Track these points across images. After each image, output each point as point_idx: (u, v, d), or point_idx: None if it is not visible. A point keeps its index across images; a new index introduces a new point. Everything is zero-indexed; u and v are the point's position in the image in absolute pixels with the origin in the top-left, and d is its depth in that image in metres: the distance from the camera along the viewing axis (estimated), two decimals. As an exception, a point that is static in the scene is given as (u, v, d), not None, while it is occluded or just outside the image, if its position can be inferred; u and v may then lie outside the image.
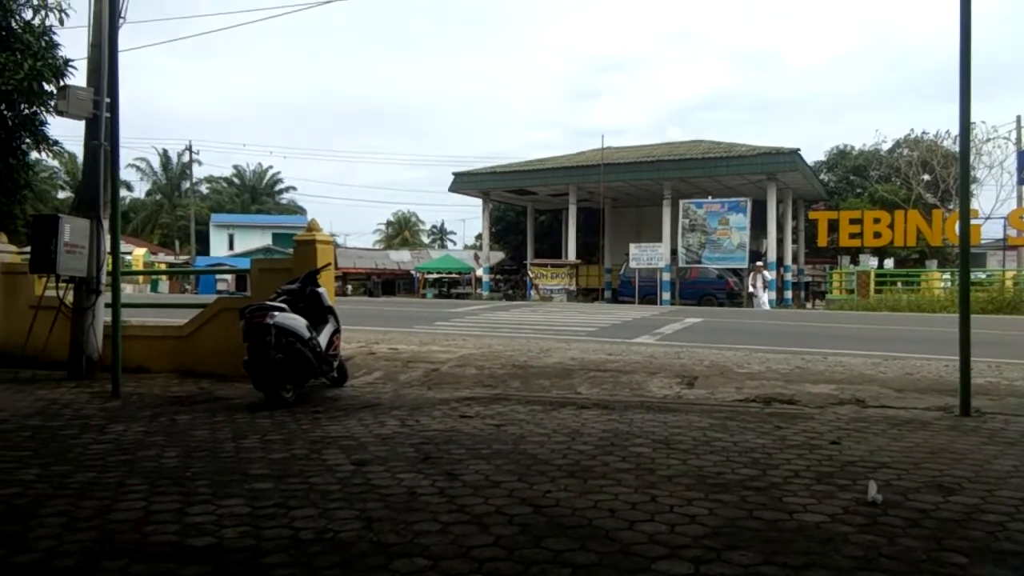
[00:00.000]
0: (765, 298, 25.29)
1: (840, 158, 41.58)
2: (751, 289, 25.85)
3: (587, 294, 32.78)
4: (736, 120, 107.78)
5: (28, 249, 9.00)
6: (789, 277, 32.33)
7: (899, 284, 27.01)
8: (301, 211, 63.37)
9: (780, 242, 31.25)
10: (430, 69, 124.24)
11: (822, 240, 29.45)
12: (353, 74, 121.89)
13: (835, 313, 22.04)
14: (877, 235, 27.72)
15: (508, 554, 2.92)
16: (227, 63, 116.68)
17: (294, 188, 68.24)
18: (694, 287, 28.25)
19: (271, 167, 66.03)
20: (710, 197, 29.33)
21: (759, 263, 26.64)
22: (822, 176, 39.12)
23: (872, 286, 26.32)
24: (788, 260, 32.91)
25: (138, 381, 7.95)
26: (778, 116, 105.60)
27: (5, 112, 9.46)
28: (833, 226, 29.31)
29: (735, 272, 27.91)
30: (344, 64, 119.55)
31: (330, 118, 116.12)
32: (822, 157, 42.08)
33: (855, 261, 29.95)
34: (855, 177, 40.12)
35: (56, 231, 7.77)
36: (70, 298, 8.44)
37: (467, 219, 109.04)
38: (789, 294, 31.47)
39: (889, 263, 31.29)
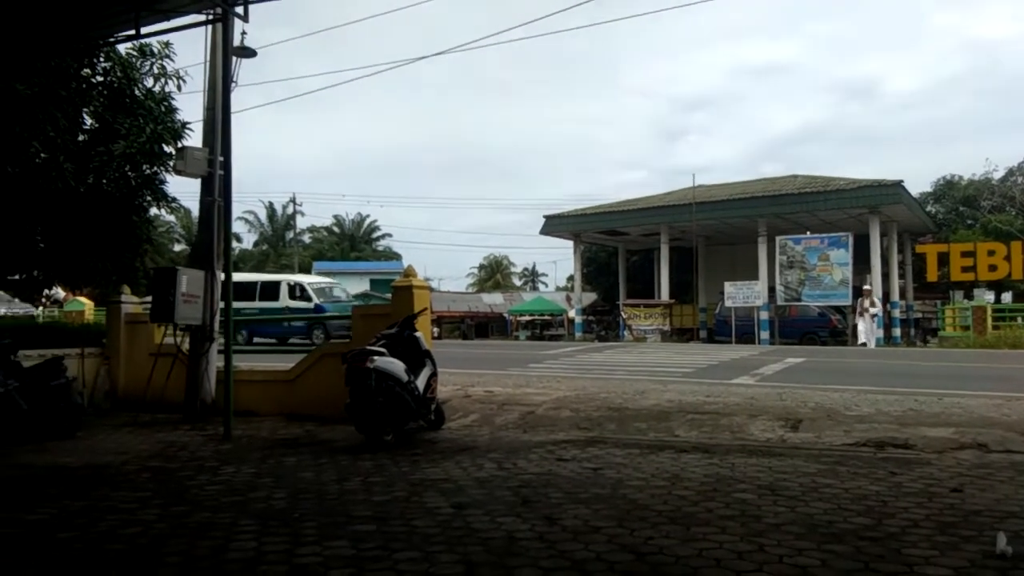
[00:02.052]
0: (869, 332, 23.93)
1: (947, 188, 39.69)
2: (856, 320, 24.63)
3: (681, 334, 32.15)
4: (833, 154, 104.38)
5: (148, 299, 9.60)
6: (897, 313, 30.80)
7: (1020, 319, 25.29)
8: (397, 257, 65.09)
9: (885, 277, 29.89)
10: (520, 114, 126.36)
11: (931, 275, 28.03)
12: (445, 123, 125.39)
13: (950, 351, 20.82)
14: (992, 268, 26.15)
15: (611, 602, 2.88)
16: (327, 118, 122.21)
17: (390, 235, 70.14)
18: (794, 325, 27.29)
19: (368, 215, 68.29)
20: (808, 233, 28.44)
21: (867, 287, 25.35)
22: (928, 208, 37.39)
23: (989, 322, 24.73)
24: (895, 296, 31.39)
25: (247, 424, 8.28)
26: (878, 148, 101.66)
27: (129, 173, 10.19)
28: (943, 260, 27.87)
29: (838, 310, 26.82)
30: (436, 113, 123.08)
31: (424, 166, 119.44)
32: (928, 188, 40.30)
33: (969, 296, 28.28)
34: (965, 208, 38.16)
35: (174, 282, 8.28)
36: (186, 345, 8.93)
37: (558, 261, 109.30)
38: (898, 331, 29.93)
39: (1007, 297, 29.41)
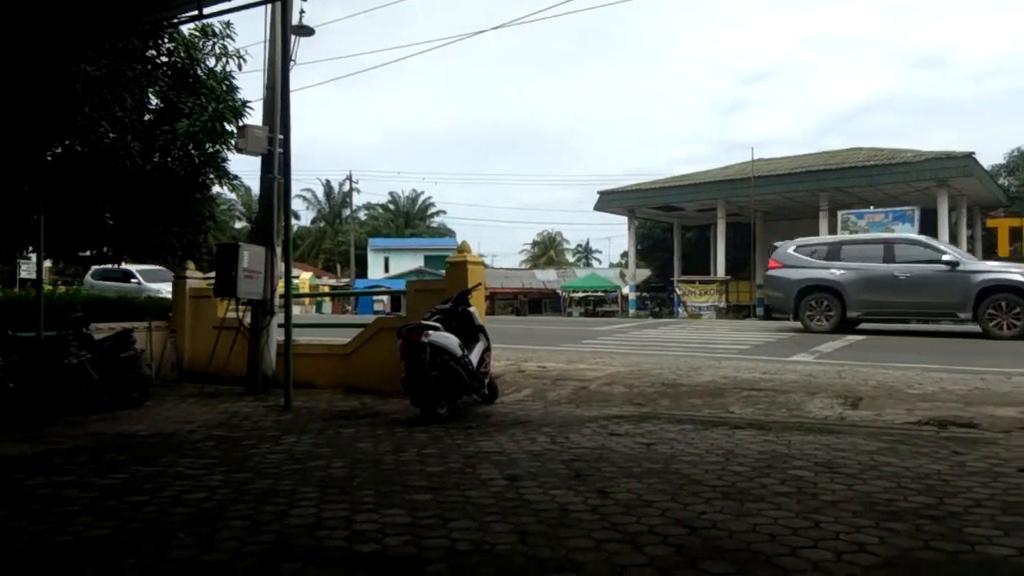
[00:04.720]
0: None
1: (1022, 160, 37.97)
2: None
3: (737, 311, 31.65)
4: (900, 125, 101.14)
5: (212, 275, 9.89)
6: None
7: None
8: (451, 234, 65.55)
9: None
10: (575, 89, 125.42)
11: (1003, 249, 26.92)
12: (501, 99, 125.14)
13: (1021, 329, 20.01)
14: (1069, 242, 25.05)
15: (663, 574, 2.89)
16: (384, 96, 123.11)
17: (444, 212, 70.79)
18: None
19: (423, 192, 68.95)
20: (872, 207, 27.62)
21: None
22: (1001, 180, 35.89)
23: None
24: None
25: (307, 396, 8.50)
26: (947, 118, 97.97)
27: (193, 151, 10.48)
28: (1015, 234, 26.79)
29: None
30: (492, 90, 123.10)
31: (479, 143, 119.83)
32: (1000, 160, 38.64)
33: (1043, 272, 27.14)
34: (1041, 180, 36.52)
35: (236, 258, 8.51)
36: (247, 319, 9.19)
37: (612, 237, 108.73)
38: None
39: (1085, 273, 28.12)
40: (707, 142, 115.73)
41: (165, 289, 14.62)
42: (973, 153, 25.95)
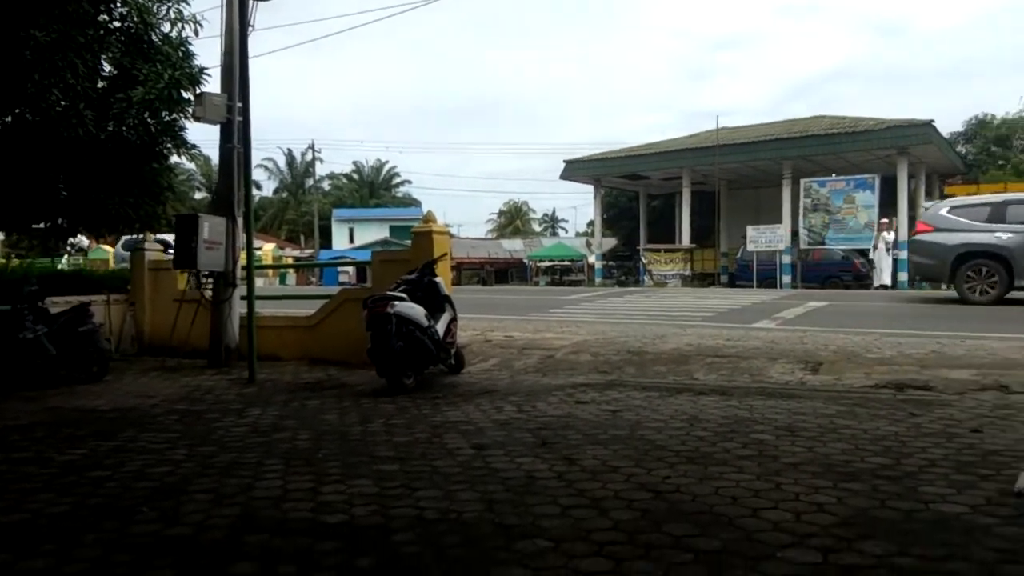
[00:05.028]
0: (887, 268, 23.85)
1: (979, 128, 38.70)
2: (871, 255, 24.47)
3: (702, 279, 32.00)
4: (861, 93, 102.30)
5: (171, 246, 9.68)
6: (923, 257, 30.42)
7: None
8: (416, 203, 64.98)
9: (913, 220, 29.43)
10: (541, 58, 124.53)
11: (960, 217, 27.42)
12: (466, 67, 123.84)
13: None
14: None
15: (628, 538, 2.93)
16: (346, 63, 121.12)
17: (410, 182, 69.99)
18: (817, 269, 27.06)
19: (388, 162, 68.04)
20: (833, 175, 27.97)
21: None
22: (959, 148, 36.55)
23: (1017, 264, 24.31)
24: (921, 239, 30.97)
25: (271, 368, 8.42)
26: (908, 87, 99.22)
27: (149, 120, 10.18)
28: (972, 201, 27.25)
29: (862, 253, 26.53)
30: (457, 58, 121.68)
31: (444, 111, 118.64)
32: (959, 128, 39.31)
33: (998, 238, 27.79)
34: (997, 148, 37.28)
35: (196, 229, 8.35)
36: (209, 292, 9.04)
37: (578, 206, 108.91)
38: (923, 275, 29.62)
39: (1037, 239, 28.83)
40: (673, 110, 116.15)
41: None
42: (932, 121, 26.33)
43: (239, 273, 9.02)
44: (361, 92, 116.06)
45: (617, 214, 44.17)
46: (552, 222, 74.98)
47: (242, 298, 8.72)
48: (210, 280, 9.00)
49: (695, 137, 33.47)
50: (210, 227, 8.54)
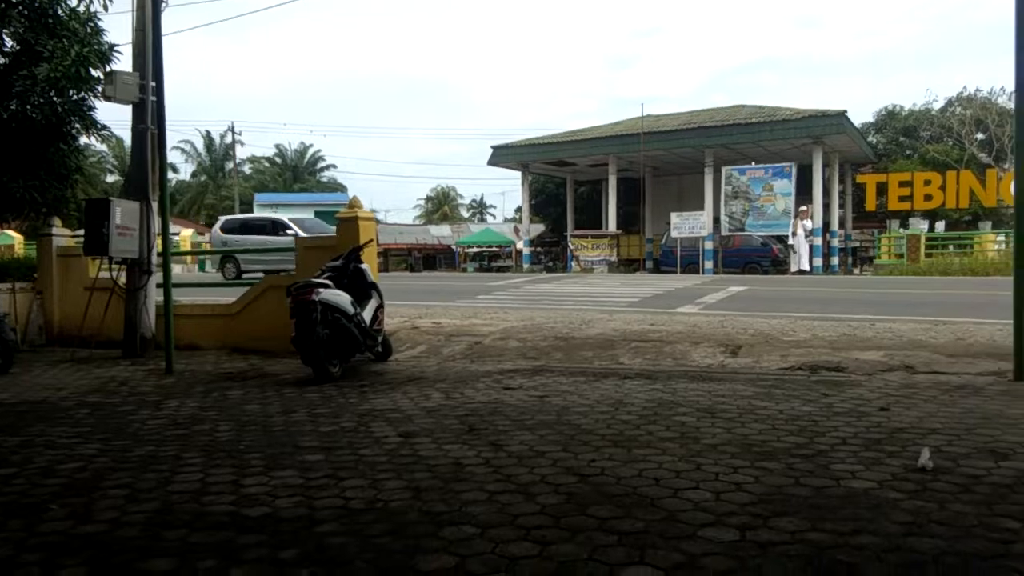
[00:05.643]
0: (805, 254, 24.86)
1: (889, 119, 40.37)
2: (791, 241, 25.42)
3: (628, 264, 32.57)
4: (781, 84, 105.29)
5: (81, 232, 9.26)
6: (836, 243, 31.68)
7: (951, 247, 26.24)
8: (342, 188, 63.75)
9: (827, 207, 30.60)
10: (469, 43, 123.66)
11: (870, 204, 28.64)
12: (392, 51, 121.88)
13: (884, 279, 21.58)
14: (928, 197, 26.83)
15: (555, 522, 2.96)
16: (267, 43, 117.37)
17: (335, 166, 68.47)
18: (738, 255, 27.89)
19: (312, 145, 66.50)
20: (753, 163, 28.80)
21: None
22: (870, 138, 38.07)
23: (923, 250, 25.64)
24: (835, 225, 32.24)
25: (190, 358, 8.17)
26: (824, 78, 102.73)
27: (55, 99, 9.67)
28: (882, 189, 28.50)
29: (780, 239, 27.45)
30: (382, 41, 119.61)
31: (369, 95, 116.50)
32: (870, 119, 40.91)
33: (904, 225, 29.19)
34: (905, 138, 38.98)
35: (108, 214, 8.00)
36: (123, 279, 8.69)
37: (507, 192, 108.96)
38: (836, 260, 30.86)
39: (940, 226, 30.44)
40: (599, 98, 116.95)
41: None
42: (845, 112, 27.35)
43: (155, 260, 8.69)
44: (283, 72, 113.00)
45: (545, 200, 44.42)
46: (480, 208, 74.81)
47: (158, 286, 8.42)
48: (124, 267, 8.64)
49: (621, 124, 33.89)
50: (123, 212, 8.19)
